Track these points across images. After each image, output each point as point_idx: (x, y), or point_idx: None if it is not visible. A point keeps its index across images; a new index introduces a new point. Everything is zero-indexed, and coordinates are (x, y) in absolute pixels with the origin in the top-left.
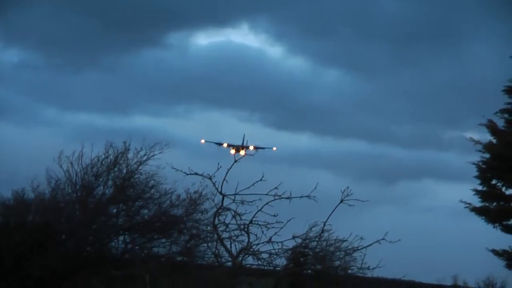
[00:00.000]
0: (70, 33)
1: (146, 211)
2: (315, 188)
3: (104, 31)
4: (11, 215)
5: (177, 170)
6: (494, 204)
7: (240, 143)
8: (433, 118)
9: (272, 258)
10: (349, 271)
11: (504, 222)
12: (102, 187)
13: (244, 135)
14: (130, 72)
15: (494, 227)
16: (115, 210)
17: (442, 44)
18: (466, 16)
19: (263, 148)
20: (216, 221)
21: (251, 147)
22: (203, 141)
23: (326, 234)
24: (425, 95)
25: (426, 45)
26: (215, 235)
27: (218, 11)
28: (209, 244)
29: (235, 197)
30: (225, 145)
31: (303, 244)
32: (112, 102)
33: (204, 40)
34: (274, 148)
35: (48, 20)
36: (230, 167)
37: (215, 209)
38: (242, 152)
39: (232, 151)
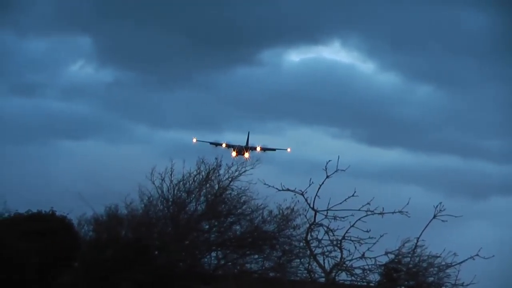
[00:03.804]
0: (162, 51)
1: (238, 227)
2: (407, 203)
3: (196, 49)
4: (104, 231)
5: (269, 186)
6: None
7: (243, 144)
8: None
9: (365, 274)
10: None
11: None
12: (194, 203)
13: (248, 133)
14: (222, 89)
15: None
16: (207, 226)
17: None
18: None
19: (273, 149)
20: (309, 237)
21: (258, 148)
22: (195, 140)
23: (419, 250)
24: None
25: None
26: (308, 251)
27: (311, 29)
28: (302, 260)
29: (327, 213)
30: (223, 145)
31: (396, 260)
32: (204, 119)
33: (296, 57)
34: (289, 150)
35: (141, 39)
36: (322, 183)
37: (307, 225)
38: (246, 155)
39: (233, 153)
